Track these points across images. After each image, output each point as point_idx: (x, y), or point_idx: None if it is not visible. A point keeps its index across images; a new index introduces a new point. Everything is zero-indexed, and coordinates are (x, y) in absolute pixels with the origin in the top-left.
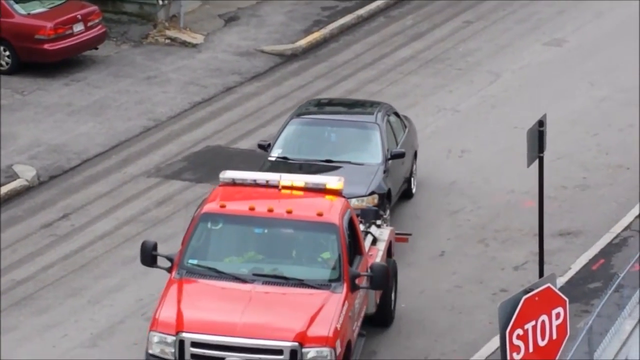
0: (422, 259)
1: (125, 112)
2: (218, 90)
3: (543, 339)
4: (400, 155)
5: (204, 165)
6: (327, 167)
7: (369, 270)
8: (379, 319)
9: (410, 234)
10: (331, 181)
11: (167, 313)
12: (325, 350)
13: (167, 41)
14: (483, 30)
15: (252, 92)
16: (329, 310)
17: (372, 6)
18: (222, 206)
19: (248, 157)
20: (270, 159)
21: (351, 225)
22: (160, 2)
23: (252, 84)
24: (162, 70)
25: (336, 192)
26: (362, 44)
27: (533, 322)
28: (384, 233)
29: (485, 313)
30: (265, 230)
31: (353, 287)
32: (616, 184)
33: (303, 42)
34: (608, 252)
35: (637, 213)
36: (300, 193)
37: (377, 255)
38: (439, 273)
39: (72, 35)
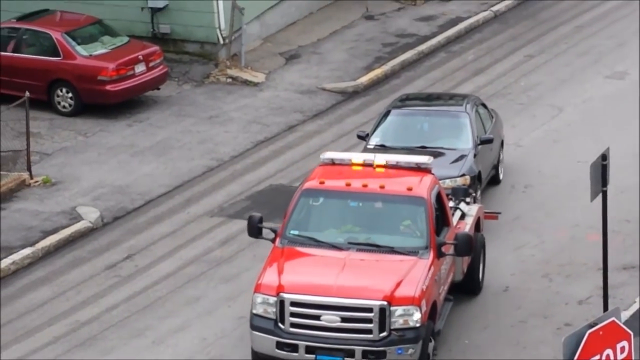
0: (486, 295)
1: (188, 152)
2: (280, 129)
3: None
4: (489, 141)
5: (267, 204)
6: (422, 152)
7: (454, 239)
8: (467, 287)
9: (499, 212)
10: (421, 160)
11: (270, 277)
12: (412, 308)
13: (229, 80)
14: (544, 64)
15: (314, 130)
16: (415, 274)
17: (433, 42)
18: (322, 182)
19: None
20: (368, 147)
21: (439, 199)
22: (222, 42)
23: (314, 121)
24: (224, 110)
25: (425, 170)
26: (423, 80)
27: (598, 356)
28: (472, 209)
29: (549, 347)
30: (360, 204)
31: (439, 254)
32: None
33: (364, 79)
34: None
35: None
36: (393, 171)
37: (464, 228)
38: (503, 308)
39: (134, 75)
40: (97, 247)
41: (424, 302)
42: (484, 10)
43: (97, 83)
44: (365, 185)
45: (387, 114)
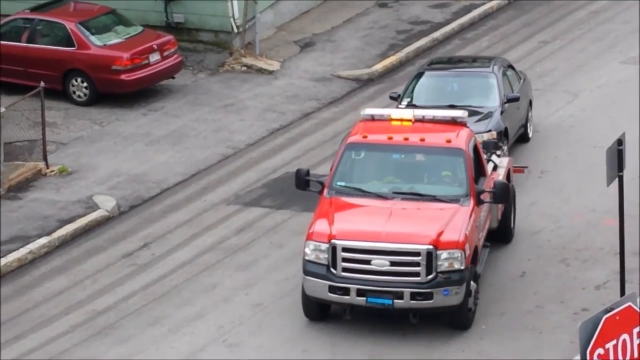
0: (503, 280)
1: (204, 141)
2: (295, 117)
3: (624, 358)
4: (515, 99)
5: (283, 192)
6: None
7: (492, 187)
8: (501, 234)
9: (526, 167)
10: (457, 114)
11: (321, 225)
12: (457, 252)
13: (244, 69)
14: (559, 50)
15: (330, 118)
16: (458, 220)
17: (447, 29)
18: (364, 137)
19: None
20: (400, 107)
21: (475, 151)
22: (236, 30)
23: (329, 109)
24: (239, 98)
25: (461, 123)
26: None
27: (614, 341)
28: (503, 161)
29: (566, 333)
30: (402, 156)
31: (479, 202)
32: None
33: (379, 66)
34: None
35: None
36: (430, 125)
37: (497, 179)
38: (520, 293)
39: (148, 65)
40: (113, 235)
41: (467, 246)
42: None
43: (111, 72)
44: (406, 139)
45: (417, 75)
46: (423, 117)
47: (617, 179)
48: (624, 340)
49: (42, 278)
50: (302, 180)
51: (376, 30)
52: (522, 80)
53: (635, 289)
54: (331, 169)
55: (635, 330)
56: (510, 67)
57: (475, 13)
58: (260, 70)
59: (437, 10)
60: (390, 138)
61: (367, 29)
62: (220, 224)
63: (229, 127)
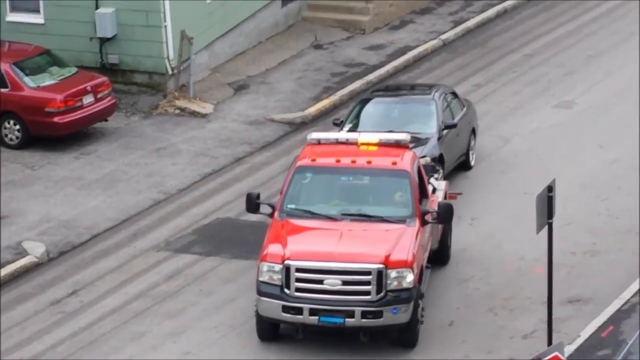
0: (432, 328)
1: (136, 185)
2: (228, 161)
3: None
4: (453, 126)
5: (214, 237)
6: None
7: (436, 208)
8: (440, 256)
9: (460, 193)
10: (400, 137)
11: (274, 247)
12: (406, 271)
13: (177, 111)
14: (493, 93)
15: (262, 162)
16: (406, 240)
17: (381, 71)
18: (313, 160)
19: (258, 229)
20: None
21: (419, 173)
22: (170, 72)
23: (262, 153)
24: (172, 142)
25: (404, 146)
26: None
27: None
28: (440, 184)
29: None
30: (350, 178)
31: (424, 222)
32: (626, 250)
33: (312, 109)
34: (617, 318)
35: None
36: (375, 148)
37: (437, 201)
38: (448, 343)
39: (82, 107)
40: (42, 282)
41: (415, 265)
42: (433, 39)
43: (45, 115)
44: (353, 161)
45: (361, 102)
46: (368, 140)
47: (546, 226)
48: None
49: None
50: (253, 203)
51: (311, 72)
52: (465, 108)
53: (562, 338)
54: (281, 192)
55: None
56: (454, 94)
57: (409, 55)
58: (194, 113)
59: (372, 53)
60: (338, 161)
61: (302, 71)
62: (149, 270)
63: (161, 172)
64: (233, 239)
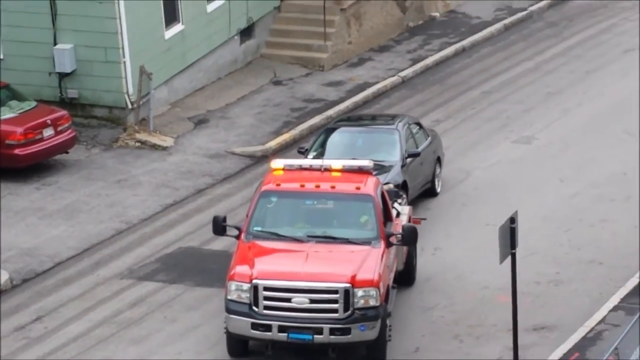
0: (397, 355)
1: (97, 216)
2: (189, 192)
3: None
4: (416, 155)
5: (177, 266)
6: None
7: (400, 230)
8: (405, 277)
9: (424, 218)
10: (363, 163)
11: (242, 266)
12: (372, 290)
13: (137, 144)
14: (452, 128)
15: (224, 194)
16: (371, 261)
17: (341, 107)
18: (278, 184)
19: (220, 258)
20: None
21: (382, 197)
22: (130, 106)
23: (223, 185)
24: (132, 174)
25: (367, 172)
26: None
27: None
28: (404, 209)
29: None
30: (315, 202)
31: (388, 244)
32: (589, 279)
33: (273, 143)
34: (582, 346)
35: (610, 307)
36: (339, 174)
37: (401, 224)
38: None
39: (42, 140)
40: (6, 309)
41: (381, 285)
42: (392, 76)
43: (5, 147)
44: (317, 186)
45: (325, 131)
46: (331, 166)
47: (510, 256)
48: None
49: None
50: (219, 226)
51: (270, 107)
52: (429, 138)
53: None
54: (247, 215)
55: None
56: (419, 125)
57: (369, 91)
58: (154, 146)
59: (331, 89)
60: (302, 186)
61: (262, 106)
62: (113, 297)
63: (122, 202)
64: (196, 267)
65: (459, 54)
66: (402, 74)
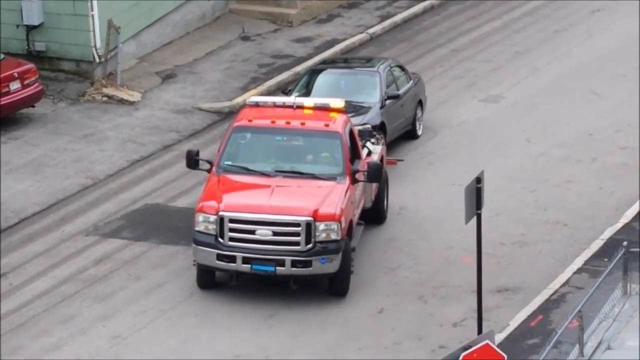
0: (361, 316)
1: (63, 171)
2: (156, 148)
3: None
4: (396, 97)
5: (143, 223)
6: None
7: (366, 168)
8: (374, 216)
9: (402, 160)
10: (334, 102)
11: (210, 199)
12: (333, 224)
13: (104, 99)
14: None
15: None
16: (335, 196)
17: (309, 63)
18: (250, 120)
19: (186, 215)
20: None
21: (351, 135)
22: (97, 60)
23: (190, 141)
24: (99, 128)
25: (338, 110)
26: None
27: None
28: (377, 148)
29: None
30: (284, 138)
31: (354, 180)
32: (554, 240)
33: (240, 99)
34: (546, 308)
35: (575, 269)
36: (310, 111)
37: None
38: (378, 330)
39: (8, 93)
40: None
41: (343, 219)
42: (360, 33)
43: None
44: (288, 123)
45: (309, 73)
46: (303, 103)
47: (475, 217)
48: None
49: None
50: (192, 160)
51: (238, 63)
52: (412, 82)
53: (492, 326)
54: (219, 150)
55: None
56: (401, 68)
57: (337, 48)
58: (121, 101)
59: (299, 45)
60: (273, 122)
61: (230, 61)
62: (78, 254)
63: (88, 157)
64: (162, 225)
65: (428, 11)
66: (371, 30)
